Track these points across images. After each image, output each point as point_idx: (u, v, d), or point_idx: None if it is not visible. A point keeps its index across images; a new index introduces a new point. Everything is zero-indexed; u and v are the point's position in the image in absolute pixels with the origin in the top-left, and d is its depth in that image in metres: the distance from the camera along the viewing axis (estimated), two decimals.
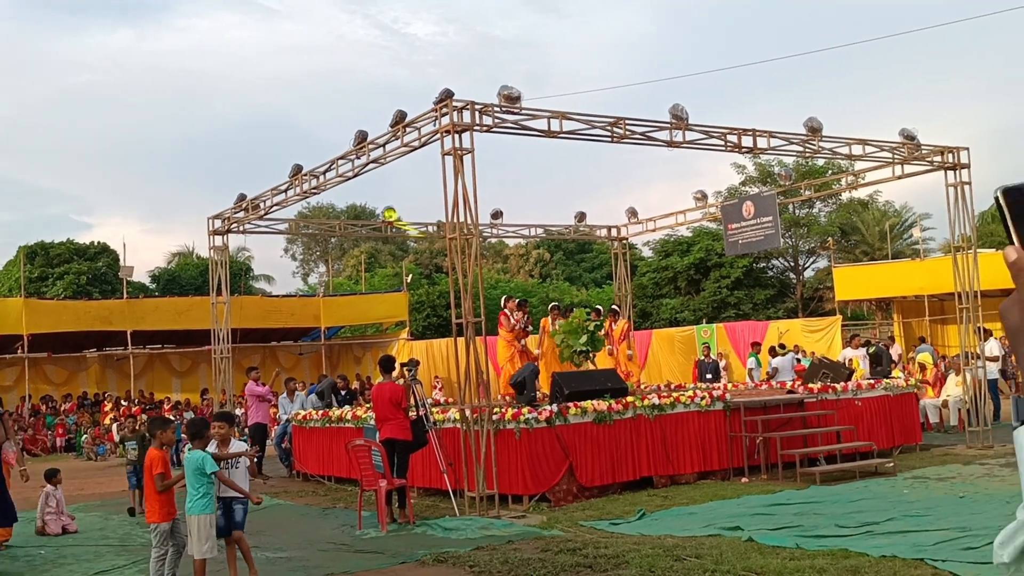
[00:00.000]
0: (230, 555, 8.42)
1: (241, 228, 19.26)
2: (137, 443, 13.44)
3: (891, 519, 9.77)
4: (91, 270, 42.75)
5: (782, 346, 23.60)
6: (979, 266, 16.34)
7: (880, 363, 17.09)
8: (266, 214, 18.39)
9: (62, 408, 28.02)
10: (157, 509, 8.12)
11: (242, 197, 18.44)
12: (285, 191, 17.33)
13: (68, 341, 29.11)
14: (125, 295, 30.40)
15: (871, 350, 17.99)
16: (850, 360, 18.62)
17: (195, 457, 7.99)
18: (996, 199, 1.34)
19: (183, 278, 47.98)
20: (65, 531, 12.03)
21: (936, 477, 12.77)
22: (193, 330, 27.96)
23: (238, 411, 21.15)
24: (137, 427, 15.01)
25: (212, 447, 8.27)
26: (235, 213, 18.82)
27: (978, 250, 16.76)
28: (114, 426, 26.19)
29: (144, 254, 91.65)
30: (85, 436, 25.48)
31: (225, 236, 19.31)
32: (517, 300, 18.21)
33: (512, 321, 16.86)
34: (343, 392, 19.39)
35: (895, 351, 22.16)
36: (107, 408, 27.51)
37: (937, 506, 10.36)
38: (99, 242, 45.43)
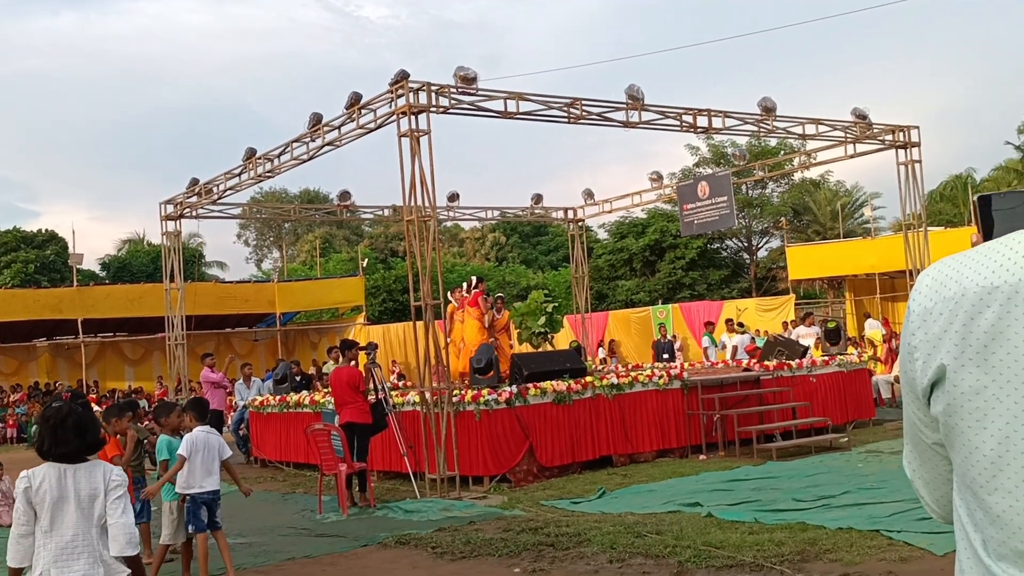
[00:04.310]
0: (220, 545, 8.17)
1: (194, 213, 19.01)
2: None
3: (847, 492, 9.93)
4: (39, 258, 41.94)
5: (740, 324, 23.82)
6: (929, 243, 16.62)
7: (838, 339, 17.33)
8: (219, 199, 18.16)
9: (11, 399, 27.52)
10: None
11: (195, 182, 18.18)
12: (239, 175, 17.12)
13: (17, 330, 28.57)
14: (75, 283, 29.88)
15: (831, 325, 18.22)
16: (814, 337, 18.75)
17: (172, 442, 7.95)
18: (972, 203, 1.64)
19: (134, 265, 47.25)
20: None
21: (889, 451, 12.99)
22: (146, 317, 27.56)
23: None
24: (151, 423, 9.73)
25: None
26: (187, 198, 18.57)
27: (928, 228, 17.03)
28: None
29: (94, 241, 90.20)
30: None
31: (178, 221, 19.05)
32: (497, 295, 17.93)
33: (487, 304, 16.66)
34: (298, 377, 19.24)
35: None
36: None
37: (891, 479, 10.53)
38: (47, 230, 44.61)
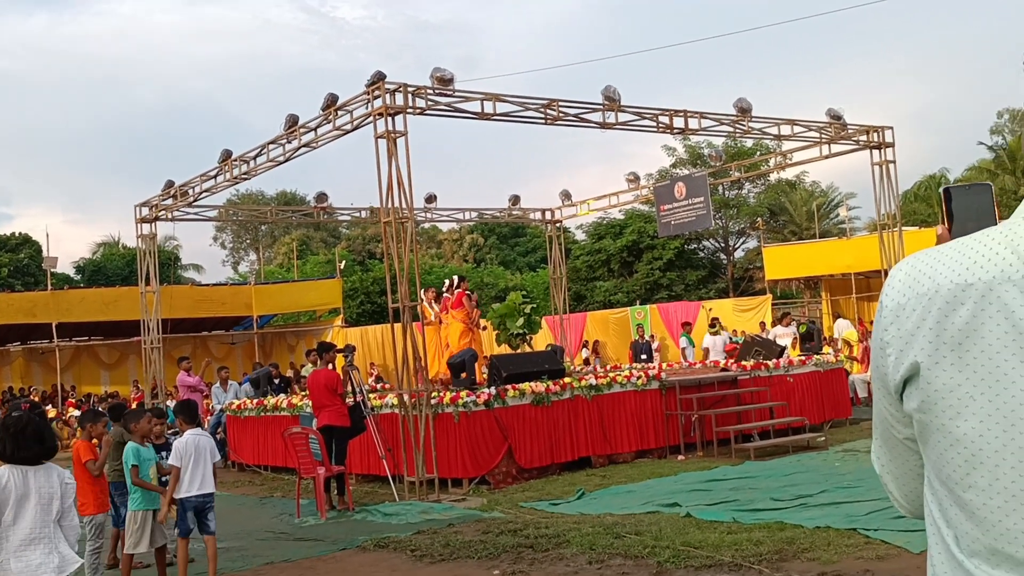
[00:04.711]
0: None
1: (169, 215, 18.86)
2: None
3: (824, 491, 9.99)
4: (12, 262, 41.54)
5: (711, 324, 23.89)
6: (904, 243, 16.73)
7: (811, 340, 17.44)
8: (195, 201, 18.04)
9: None
10: (91, 501, 7.93)
11: (170, 184, 18.05)
12: (214, 177, 17.00)
13: None
14: (49, 287, 29.59)
15: (802, 329, 18.34)
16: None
17: (140, 450, 7.87)
18: (940, 193, 1.71)
19: (109, 269, 46.87)
20: None
21: (866, 450, 13.05)
22: (121, 321, 27.28)
23: (170, 402, 20.75)
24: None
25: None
26: (163, 200, 18.43)
27: (903, 228, 17.15)
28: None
29: (68, 245, 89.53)
30: None
31: (153, 224, 18.90)
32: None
33: (472, 302, 16.62)
34: (277, 380, 19.15)
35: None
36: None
37: (868, 478, 10.58)
38: (20, 233, 44.20)
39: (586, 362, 24.61)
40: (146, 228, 18.91)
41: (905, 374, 1.45)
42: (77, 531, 4.95)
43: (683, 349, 23.59)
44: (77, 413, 21.65)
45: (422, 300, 16.33)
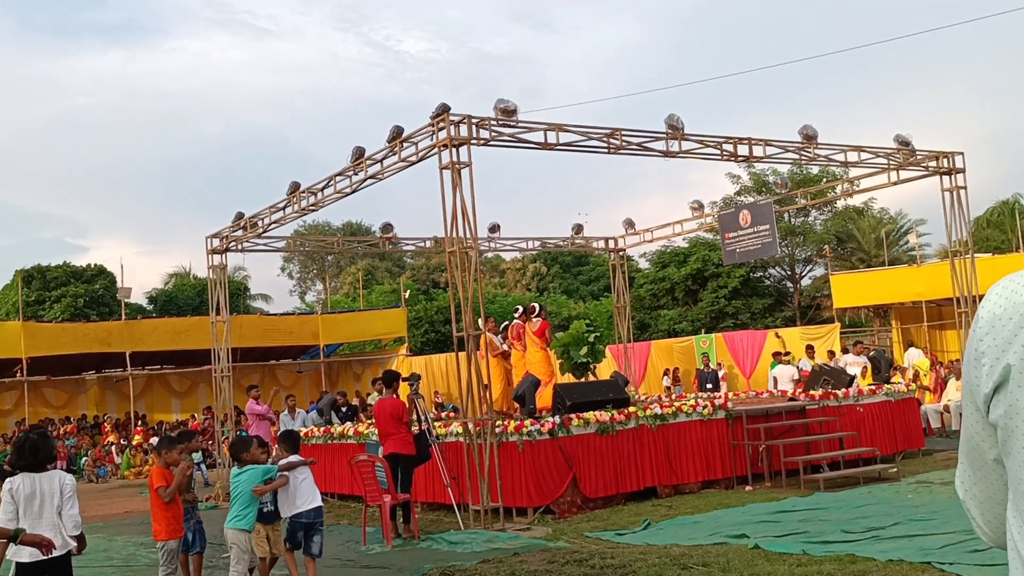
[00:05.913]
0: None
1: (239, 247, 19.24)
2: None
3: (897, 524, 9.78)
4: (88, 292, 42.64)
5: (780, 353, 23.50)
6: (977, 270, 16.37)
7: (878, 369, 17.10)
8: (264, 232, 18.38)
9: (62, 431, 27.92)
10: (164, 527, 8.09)
11: (240, 216, 18.43)
12: (283, 208, 17.33)
13: (67, 364, 29.04)
14: (123, 316, 30.36)
15: (871, 354, 17.99)
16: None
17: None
18: None
19: (180, 299, 47.88)
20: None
21: (940, 481, 12.77)
22: (192, 350, 27.90)
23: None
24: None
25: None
26: (233, 232, 18.81)
27: (975, 255, 16.78)
28: (113, 448, 26.19)
29: (141, 275, 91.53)
30: (86, 458, 25.42)
31: (223, 255, 19.28)
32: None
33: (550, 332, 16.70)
34: (344, 408, 19.37)
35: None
36: (107, 430, 27.45)
37: (942, 510, 10.35)
38: (95, 264, 45.36)
39: (667, 390, 24.56)
40: (216, 259, 19.30)
41: (998, 380, 1.48)
42: (76, 520, 6.17)
43: (774, 378, 23.16)
44: (154, 441, 22.10)
45: (485, 332, 16.38)
